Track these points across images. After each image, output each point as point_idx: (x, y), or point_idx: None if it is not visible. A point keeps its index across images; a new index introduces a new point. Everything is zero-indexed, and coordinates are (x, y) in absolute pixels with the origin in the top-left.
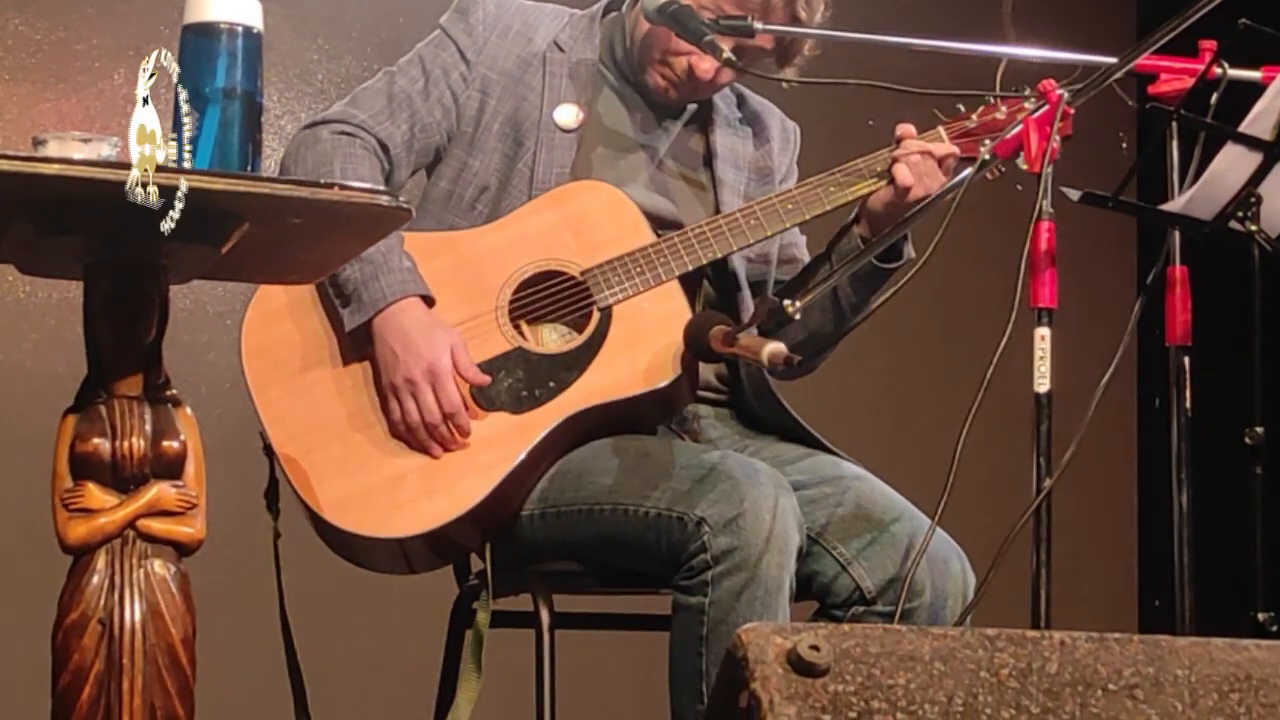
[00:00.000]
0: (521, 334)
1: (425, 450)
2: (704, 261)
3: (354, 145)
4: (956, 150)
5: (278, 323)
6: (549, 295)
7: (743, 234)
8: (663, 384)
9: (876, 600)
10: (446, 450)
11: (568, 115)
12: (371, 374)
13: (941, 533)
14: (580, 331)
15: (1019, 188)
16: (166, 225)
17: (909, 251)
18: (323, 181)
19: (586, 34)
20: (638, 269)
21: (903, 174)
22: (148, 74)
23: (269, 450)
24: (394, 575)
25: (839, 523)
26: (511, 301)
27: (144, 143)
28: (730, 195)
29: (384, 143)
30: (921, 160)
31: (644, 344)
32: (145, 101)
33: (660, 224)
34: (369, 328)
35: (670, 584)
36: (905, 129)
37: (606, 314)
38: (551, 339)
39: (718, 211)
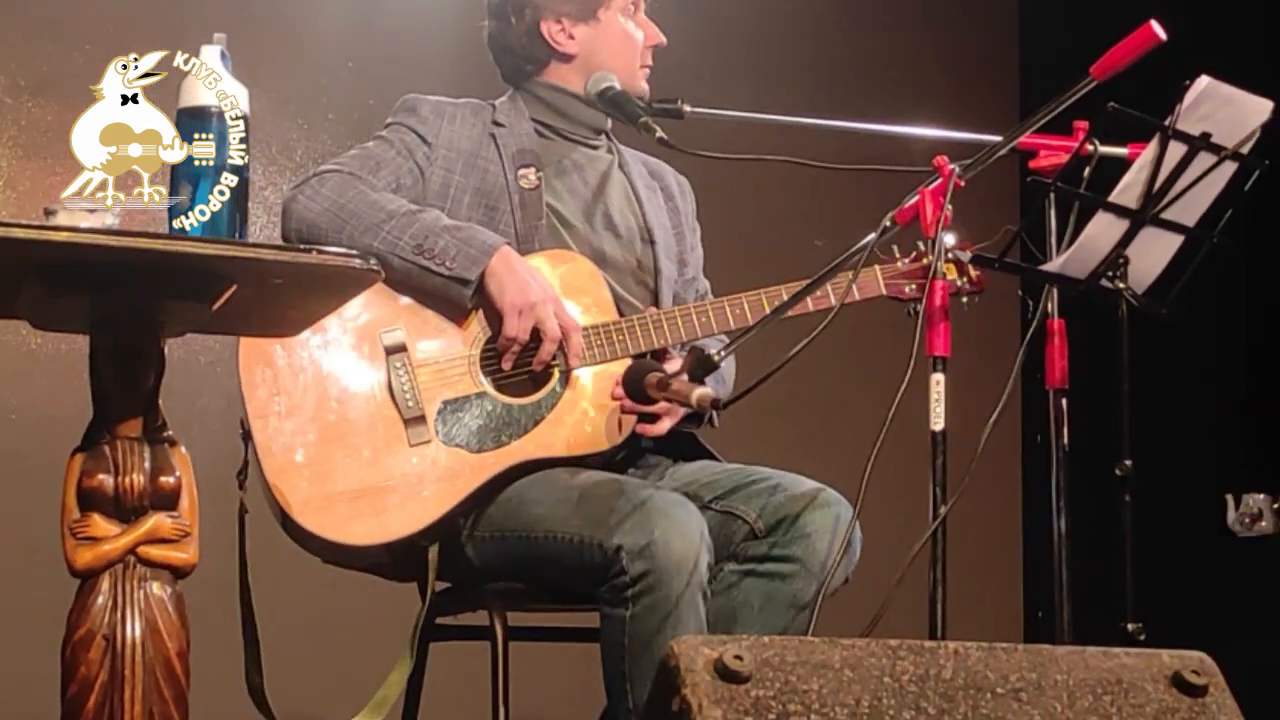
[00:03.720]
0: (486, 379)
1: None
2: (656, 346)
3: (358, 179)
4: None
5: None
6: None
7: (693, 328)
8: (607, 449)
9: (767, 536)
10: (569, 358)
11: (529, 177)
12: (346, 390)
13: (813, 483)
14: (540, 386)
15: (964, 304)
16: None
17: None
18: (349, 198)
19: (513, 109)
20: (598, 341)
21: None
22: (137, 72)
23: (247, 435)
24: (368, 582)
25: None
26: (485, 348)
27: (113, 143)
28: (665, 260)
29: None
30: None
31: (595, 410)
32: (134, 100)
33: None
34: (485, 271)
35: (596, 597)
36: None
37: (565, 375)
38: (511, 387)
39: (657, 272)
